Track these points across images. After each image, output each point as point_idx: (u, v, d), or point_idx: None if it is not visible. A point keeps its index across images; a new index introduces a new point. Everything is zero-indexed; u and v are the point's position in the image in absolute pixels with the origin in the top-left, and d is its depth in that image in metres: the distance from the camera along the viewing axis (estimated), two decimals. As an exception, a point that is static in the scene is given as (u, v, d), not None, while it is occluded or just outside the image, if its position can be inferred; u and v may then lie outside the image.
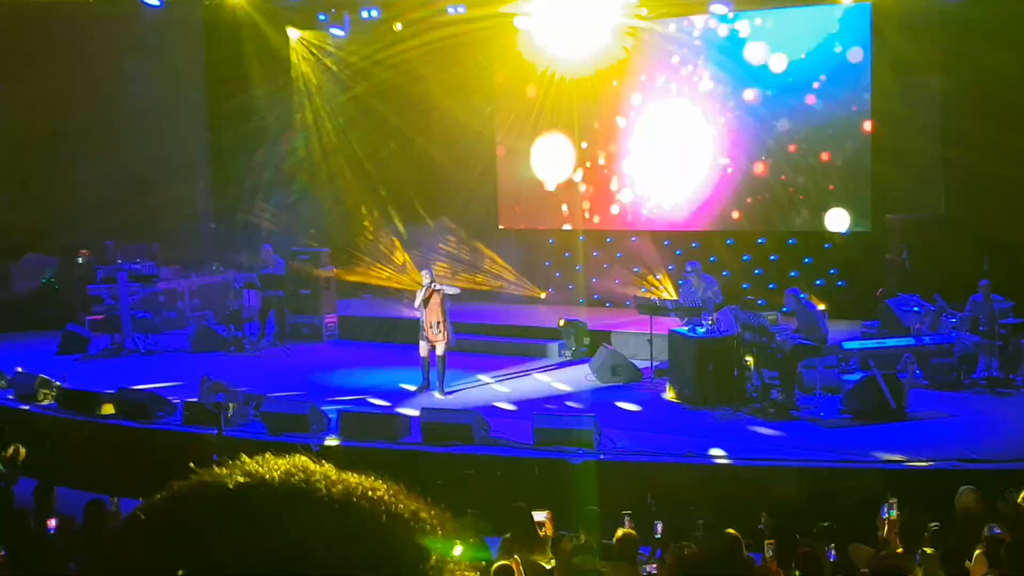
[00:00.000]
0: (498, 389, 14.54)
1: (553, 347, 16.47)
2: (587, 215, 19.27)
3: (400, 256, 19.78)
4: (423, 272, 14.37)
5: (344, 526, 1.19)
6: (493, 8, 17.96)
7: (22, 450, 11.32)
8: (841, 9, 16.56)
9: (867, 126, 16.68)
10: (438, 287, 13.97)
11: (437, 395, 13.92)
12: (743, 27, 17.46)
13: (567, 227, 19.49)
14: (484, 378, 15.13)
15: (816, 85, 17.00)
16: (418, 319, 14.15)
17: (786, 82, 17.21)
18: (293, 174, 20.81)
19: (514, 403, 13.56)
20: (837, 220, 17.04)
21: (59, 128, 20.33)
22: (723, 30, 17.63)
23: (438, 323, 13.83)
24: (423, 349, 14.02)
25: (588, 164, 19.10)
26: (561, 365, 15.94)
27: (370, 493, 1.30)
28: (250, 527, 1.13)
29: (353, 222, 20.41)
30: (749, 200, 17.77)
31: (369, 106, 20.26)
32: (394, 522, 1.27)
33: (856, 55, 16.59)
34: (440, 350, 13.86)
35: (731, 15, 17.32)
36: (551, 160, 19.39)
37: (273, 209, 20.52)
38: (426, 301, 13.88)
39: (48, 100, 19.93)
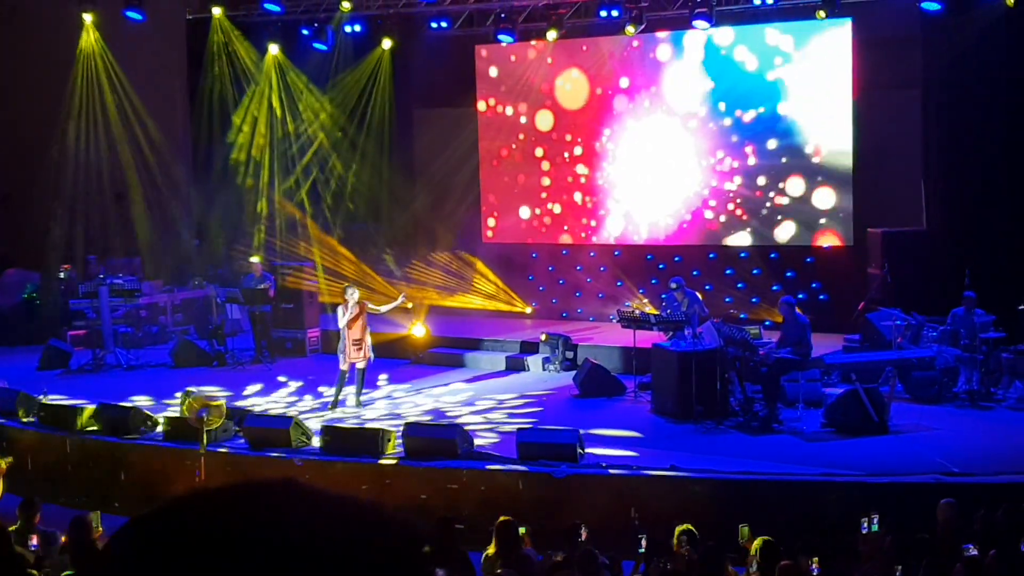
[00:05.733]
0: (479, 402, 14.55)
1: (535, 360, 16.49)
2: (570, 229, 19.28)
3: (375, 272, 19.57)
4: (347, 289, 14.37)
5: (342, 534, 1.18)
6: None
7: (3, 463, 11.24)
8: (821, 25, 16.66)
9: (848, 140, 16.79)
10: (367, 305, 14.19)
11: (355, 407, 14.09)
12: (724, 43, 17.56)
13: (550, 241, 19.49)
14: (467, 390, 15.16)
15: (797, 100, 17.10)
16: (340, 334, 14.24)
17: (768, 97, 17.31)
18: (269, 192, 20.69)
19: (493, 419, 13.59)
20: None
21: (40, 142, 20.25)
22: (704, 46, 17.71)
23: (360, 340, 14.01)
24: (344, 363, 14.15)
25: (573, 178, 19.12)
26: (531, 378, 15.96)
27: (367, 505, 1.27)
28: (242, 542, 1.13)
29: (330, 239, 20.32)
30: (731, 215, 17.84)
31: (346, 122, 20.27)
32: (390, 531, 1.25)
33: (837, 70, 16.71)
34: (361, 364, 14.10)
35: (711, 30, 17.38)
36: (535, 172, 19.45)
37: (253, 225, 20.44)
38: (352, 319, 14.02)
39: (30, 114, 19.88)
